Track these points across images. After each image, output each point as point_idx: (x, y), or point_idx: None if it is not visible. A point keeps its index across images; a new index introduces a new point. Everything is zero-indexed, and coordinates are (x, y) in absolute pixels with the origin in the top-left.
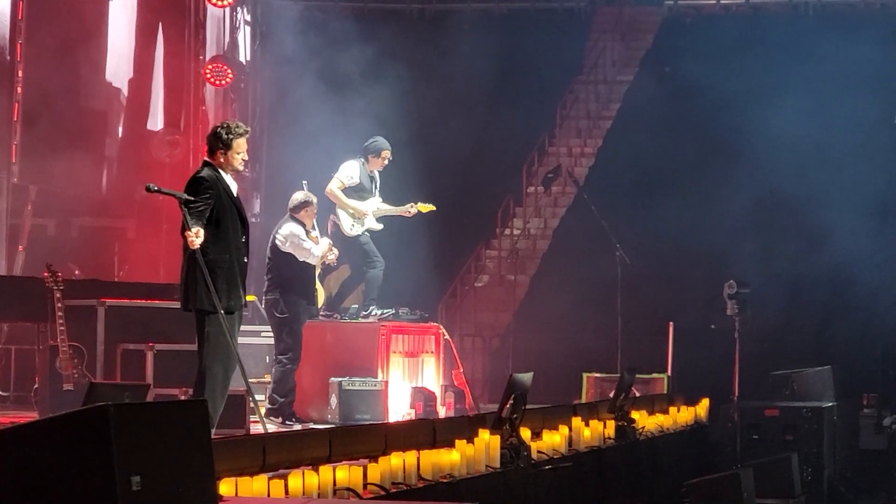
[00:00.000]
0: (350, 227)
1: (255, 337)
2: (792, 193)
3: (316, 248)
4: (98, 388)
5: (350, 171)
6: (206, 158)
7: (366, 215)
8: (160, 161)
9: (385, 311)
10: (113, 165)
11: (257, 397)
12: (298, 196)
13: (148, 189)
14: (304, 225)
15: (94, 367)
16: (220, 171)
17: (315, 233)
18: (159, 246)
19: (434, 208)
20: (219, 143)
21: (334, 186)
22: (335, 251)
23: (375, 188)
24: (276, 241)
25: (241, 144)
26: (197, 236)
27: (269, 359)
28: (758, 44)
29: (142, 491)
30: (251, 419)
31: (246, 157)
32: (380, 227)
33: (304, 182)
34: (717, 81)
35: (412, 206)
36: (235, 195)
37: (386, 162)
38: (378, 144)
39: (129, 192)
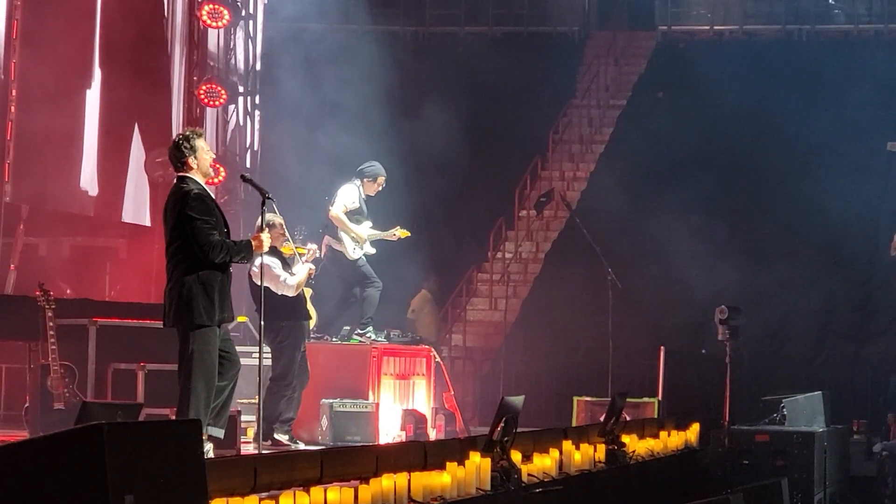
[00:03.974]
0: (353, 251)
1: (247, 358)
2: (784, 217)
3: (291, 279)
4: (90, 407)
5: (350, 194)
6: (179, 175)
7: (365, 240)
8: (153, 181)
9: (379, 334)
10: (105, 185)
11: (247, 418)
12: (259, 221)
13: (243, 178)
14: (274, 248)
15: (86, 386)
16: (201, 183)
17: (287, 243)
18: (150, 266)
19: (408, 234)
20: (183, 151)
21: (339, 210)
22: (312, 267)
23: (367, 212)
24: (251, 273)
25: (203, 143)
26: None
27: (258, 380)
28: (751, 69)
29: None
30: (242, 440)
31: (213, 155)
32: (373, 251)
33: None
34: (711, 106)
35: (396, 231)
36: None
37: (380, 188)
38: (375, 170)
39: (121, 213)
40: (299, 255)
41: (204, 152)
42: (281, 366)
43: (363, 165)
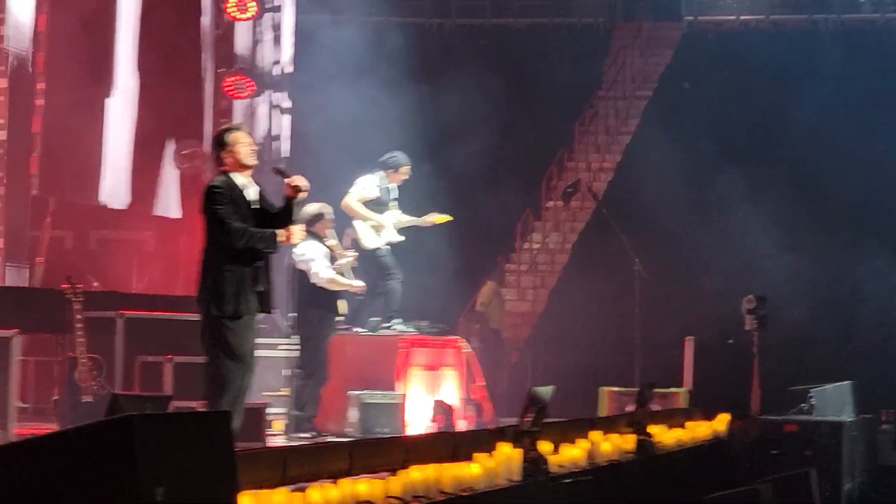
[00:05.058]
0: (368, 241)
1: (273, 350)
2: (812, 208)
3: (324, 272)
4: (120, 399)
5: (366, 184)
6: (220, 169)
7: (384, 227)
8: (181, 173)
9: (407, 326)
10: (134, 178)
11: (274, 410)
12: (310, 209)
13: (275, 170)
14: (320, 238)
15: (113, 378)
16: (233, 176)
17: (333, 241)
18: (178, 258)
19: (450, 218)
20: (220, 144)
21: (351, 199)
22: (360, 284)
23: (394, 201)
24: (293, 258)
25: (240, 136)
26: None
27: (285, 372)
28: (778, 59)
29: (165, 502)
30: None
31: (255, 148)
32: (401, 238)
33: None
34: (737, 96)
35: (429, 217)
36: (256, 198)
37: (406, 177)
38: (397, 160)
39: (151, 205)
40: (340, 255)
41: (240, 145)
42: (307, 356)
43: (384, 156)
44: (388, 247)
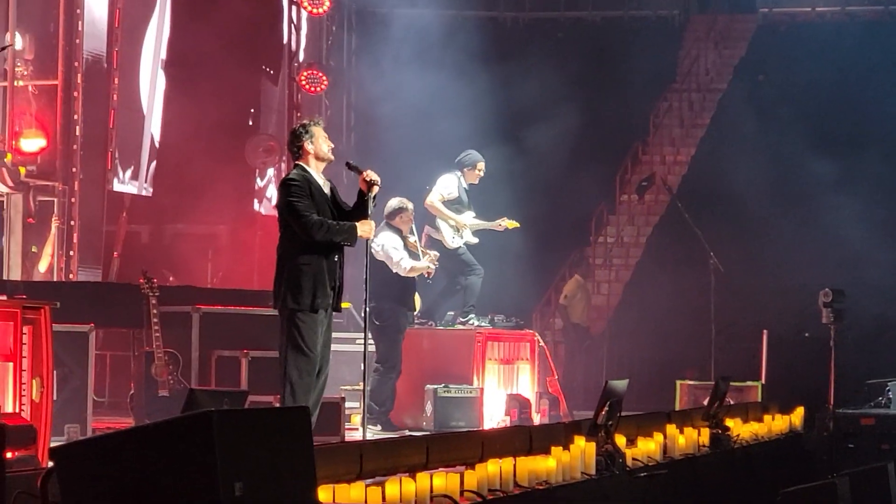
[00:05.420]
0: (451, 240)
1: (350, 344)
2: (887, 200)
3: (405, 261)
4: (197, 394)
5: (448, 184)
6: (295, 162)
7: (465, 227)
8: (254, 166)
9: (482, 320)
10: (207, 171)
11: (351, 404)
12: (392, 203)
13: (348, 165)
14: (400, 231)
15: (189, 373)
16: (310, 170)
17: (413, 238)
18: (253, 252)
19: (518, 225)
20: (299, 137)
21: (435, 199)
22: (433, 267)
23: (469, 202)
24: (372, 250)
25: (318, 131)
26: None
27: (363, 366)
28: (853, 50)
29: (244, 497)
30: (347, 426)
31: (331, 144)
32: (476, 240)
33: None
34: (812, 88)
35: (502, 222)
36: (329, 193)
37: (481, 174)
38: (472, 157)
39: (223, 199)
40: (422, 253)
41: (318, 139)
42: (383, 350)
43: (461, 155)
44: (465, 246)
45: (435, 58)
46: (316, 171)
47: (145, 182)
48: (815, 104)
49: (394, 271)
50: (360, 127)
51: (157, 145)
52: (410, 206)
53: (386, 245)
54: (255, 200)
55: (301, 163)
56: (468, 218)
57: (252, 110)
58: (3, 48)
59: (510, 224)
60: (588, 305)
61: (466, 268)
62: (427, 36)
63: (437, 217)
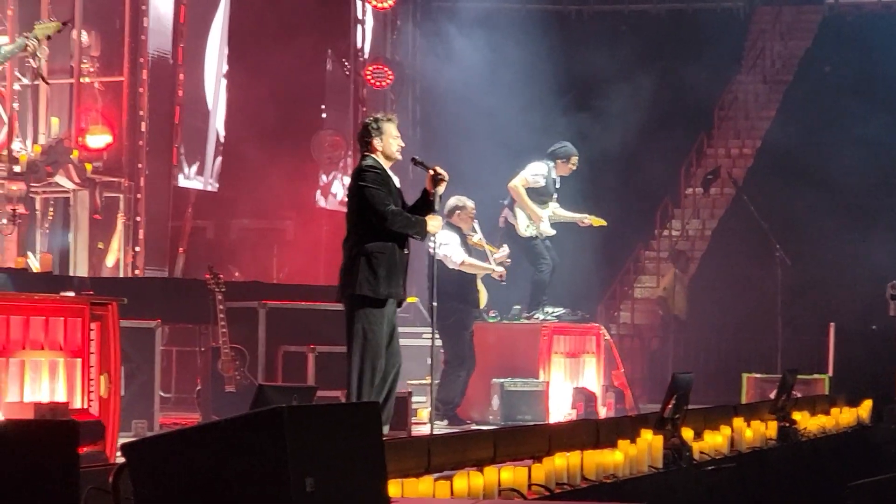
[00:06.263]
0: (525, 228)
1: (417, 339)
2: None
3: (456, 255)
4: (266, 390)
5: (537, 171)
6: (363, 153)
7: (541, 220)
8: (320, 161)
9: (553, 310)
10: (272, 166)
11: (417, 399)
12: (451, 201)
13: (413, 160)
14: (460, 230)
15: (256, 369)
16: (381, 161)
17: (477, 236)
18: (319, 247)
19: (605, 223)
20: (371, 132)
21: (518, 183)
22: (501, 270)
23: (555, 192)
24: (429, 249)
25: (391, 128)
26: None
27: (430, 360)
28: None
29: (315, 492)
30: (414, 420)
31: (402, 143)
32: (552, 232)
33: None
34: (879, 80)
35: (586, 217)
36: (398, 187)
37: (573, 168)
38: (567, 150)
39: (288, 194)
40: (489, 251)
41: (391, 137)
42: (450, 347)
43: (555, 146)
44: (539, 238)
45: (500, 52)
46: (385, 165)
47: (211, 177)
48: (885, 96)
49: (449, 268)
50: (426, 122)
51: (221, 141)
52: (470, 203)
53: (441, 240)
54: (321, 195)
55: (370, 154)
56: (549, 210)
57: (318, 106)
58: (65, 23)
59: (595, 221)
60: (685, 297)
61: (537, 260)
62: (492, 29)
63: (516, 203)
